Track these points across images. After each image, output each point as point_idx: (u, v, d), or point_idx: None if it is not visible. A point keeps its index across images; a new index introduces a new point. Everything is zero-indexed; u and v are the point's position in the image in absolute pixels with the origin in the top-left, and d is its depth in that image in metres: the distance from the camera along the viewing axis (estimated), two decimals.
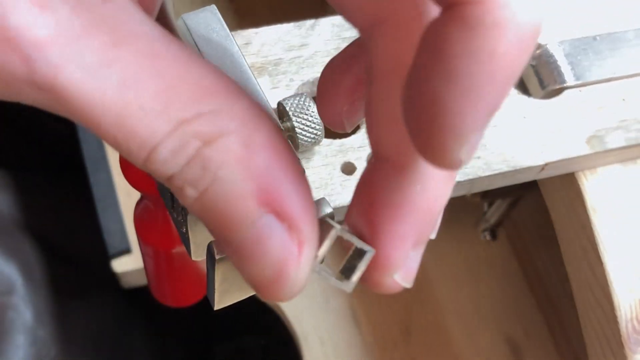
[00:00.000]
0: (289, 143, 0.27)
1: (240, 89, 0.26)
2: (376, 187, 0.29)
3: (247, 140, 0.25)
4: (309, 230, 0.26)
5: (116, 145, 0.25)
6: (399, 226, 0.28)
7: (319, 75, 0.46)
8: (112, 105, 0.24)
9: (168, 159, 0.25)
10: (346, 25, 0.48)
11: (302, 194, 0.26)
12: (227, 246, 0.27)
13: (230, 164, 0.25)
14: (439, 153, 0.24)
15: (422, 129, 0.24)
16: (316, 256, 0.27)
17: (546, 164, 0.46)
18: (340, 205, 0.43)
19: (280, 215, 0.26)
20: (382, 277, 0.29)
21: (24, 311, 0.66)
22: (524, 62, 0.24)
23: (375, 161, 0.29)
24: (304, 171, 0.28)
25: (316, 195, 0.42)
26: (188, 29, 0.41)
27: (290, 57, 0.47)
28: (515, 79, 0.23)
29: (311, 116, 0.41)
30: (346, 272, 0.29)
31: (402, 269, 0.29)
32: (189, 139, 0.25)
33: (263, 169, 0.25)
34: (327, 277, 0.29)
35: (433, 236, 0.32)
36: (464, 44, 0.23)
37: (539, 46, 0.49)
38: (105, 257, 0.70)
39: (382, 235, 0.28)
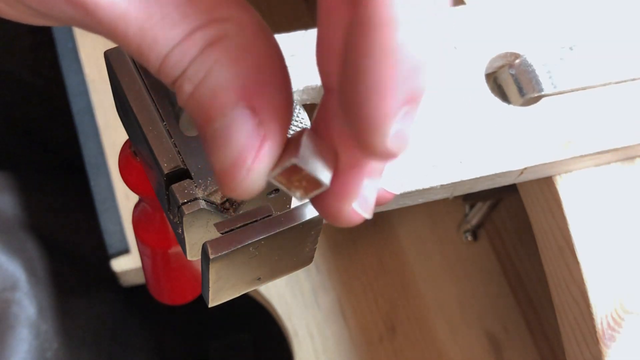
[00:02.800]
0: (284, 60, 0.29)
1: (250, 6, 0.28)
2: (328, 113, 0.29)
3: (246, 45, 0.27)
4: (276, 128, 0.28)
5: (138, 55, 0.27)
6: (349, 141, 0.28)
7: (308, 84, 0.46)
8: (137, 18, 0.26)
9: (178, 61, 0.27)
10: None
11: (281, 99, 0.28)
12: (204, 139, 0.28)
13: (224, 61, 0.27)
14: (366, 145, 0.25)
15: (350, 125, 0.26)
16: (275, 159, 0.28)
17: (525, 168, 0.46)
18: None
19: (255, 110, 0.27)
20: (341, 204, 0.29)
21: (28, 306, 0.66)
22: (425, 55, 0.24)
23: (325, 93, 0.29)
24: (290, 85, 0.29)
25: None
26: None
27: None
28: (420, 72, 0.24)
29: (301, 123, 0.41)
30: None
31: (360, 198, 0.29)
32: (197, 42, 0.26)
33: (252, 69, 0.27)
34: (283, 189, 0.29)
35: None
36: (364, 40, 0.24)
37: (518, 56, 0.49)
38: (105, 257, 0.70)
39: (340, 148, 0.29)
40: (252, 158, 0.27)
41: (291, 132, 0.41)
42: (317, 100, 0.47)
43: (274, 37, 0.28)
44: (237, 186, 0.28)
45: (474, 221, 0.72)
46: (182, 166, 0.36)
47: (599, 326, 0.46)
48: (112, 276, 0.70)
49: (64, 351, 0.68)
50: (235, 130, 0.27)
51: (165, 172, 0.36)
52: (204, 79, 0.27)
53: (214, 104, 0.27)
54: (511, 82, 0.49)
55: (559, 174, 0.48)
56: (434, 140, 0.45)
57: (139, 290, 0.69)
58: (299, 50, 0.47)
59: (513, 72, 0.49)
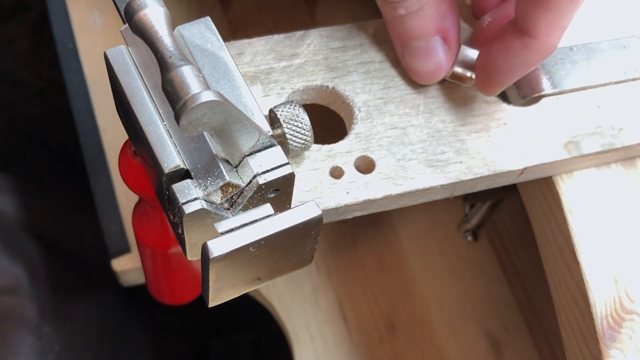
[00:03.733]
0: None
1: None
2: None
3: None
4: (455, 51, 0.46)
5: None
6: None
7: (308, 83, 0.46)
8: None
9: None
10: (334, 35, 0.48)
11: (458, 32, 0.46)
12: (404, 49, 0.46)
13: (432, 4, 0.43)
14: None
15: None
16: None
17: (525, 168, 0.46)
18: (329, 207, 0.42)
19: (445, 39, 0.45)
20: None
21: (30, 308, 0.66)
22: None
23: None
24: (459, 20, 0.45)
25: (305, 198, 0.42)
26: (184, 40, 0.40)
27: (282, 66, 0.46)
28: None
29: (301, 123, 0.41)
30: None
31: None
32: None
33: (444, 13, 0.44)
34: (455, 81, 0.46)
35: None
36: None
37: None
38: (105, 257, 0.69)
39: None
40: (445, 69, 0.46)
41: (292, 131, 0.41)
42: (317, 101, 0.47)
43: None
44: (427, 82, 0.46)
45: (474, 221, 0.72)
46: (182, 166, 0.36)
47: (598, 326, 0.46)
48: (113, 276, 0.70)
49: (66, 353, 0.68)
50: (435, 51, 0.45)
51: (165, 172, 0.36)
52: (418, 11, 0.43)
53: (420, 30, 0.44)
54: None
55: (559, 175, 0.48)
56: (434, 140, 0.45)
57: (140, 290, 0.69)
58: (299, 50, 0.47)
59: None
